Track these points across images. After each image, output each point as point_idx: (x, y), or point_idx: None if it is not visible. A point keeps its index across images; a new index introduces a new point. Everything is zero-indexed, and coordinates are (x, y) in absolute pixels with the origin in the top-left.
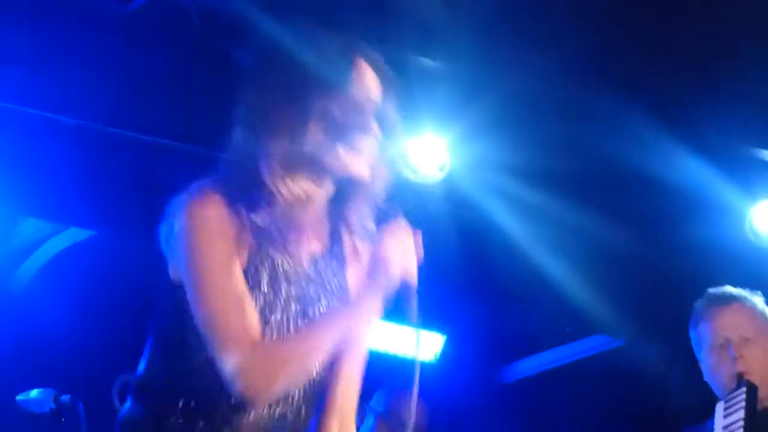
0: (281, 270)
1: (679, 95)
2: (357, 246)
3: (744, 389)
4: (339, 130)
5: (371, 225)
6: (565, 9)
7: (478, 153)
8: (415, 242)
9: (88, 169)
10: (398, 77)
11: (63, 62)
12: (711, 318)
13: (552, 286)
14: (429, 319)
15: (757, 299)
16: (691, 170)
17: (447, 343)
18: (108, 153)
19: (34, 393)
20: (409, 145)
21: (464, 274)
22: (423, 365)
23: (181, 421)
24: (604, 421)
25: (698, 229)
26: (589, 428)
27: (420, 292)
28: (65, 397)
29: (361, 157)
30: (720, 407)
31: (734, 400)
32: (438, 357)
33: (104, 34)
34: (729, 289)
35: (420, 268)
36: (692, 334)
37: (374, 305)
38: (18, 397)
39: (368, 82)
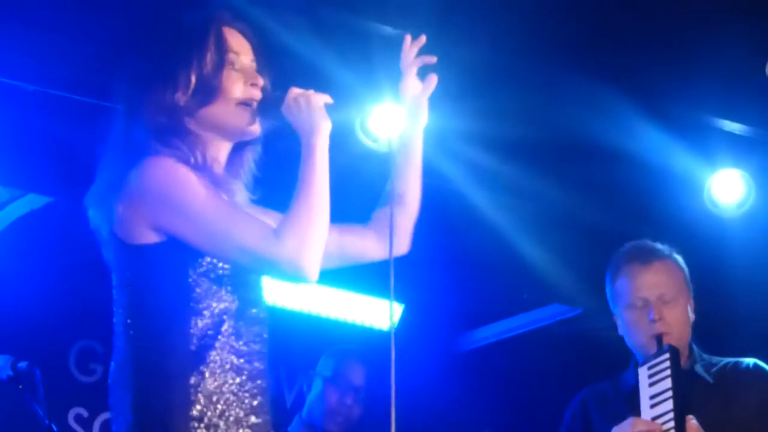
0: None
1: (639, 65)
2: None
3: (667, 355)
4: (204, 90)
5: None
6: None
7: (438, 121)
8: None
9: (46, 134)
10: (357, 45)
11: (21, 25)
12: (631, 276)
13: (511, 255)
14: (387, 287)
15: (677, 256)
16: (650, 140)
17: (405, 312)
18: (66, 119)
19: None
20: (369, 113)
21: (423, 243)
22: (380, 334)
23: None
24: (562, 388)
25: (657, 198)
26: (546, 396)
27: (378, 261)
28: (22, 364)
29: (240, 111)
30: (644, 373)
31: (658, 367)
32: (396, 326)
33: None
34: (648, 244)
35: None
36: (608, 288)
37: (316, 142)
38: None
39: (232, 44)
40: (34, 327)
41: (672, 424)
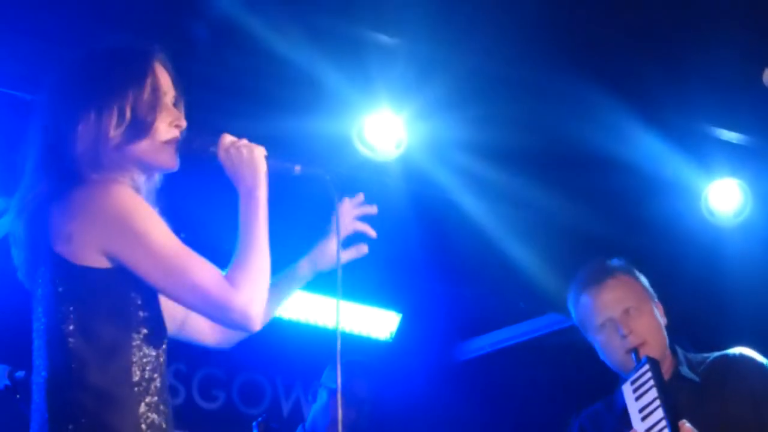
0: None
1: (636, 73)
2: None
3: (647, 366)
4: (137, 128)
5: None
6: None
7: (435, 130)
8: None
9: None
10: (354, 53)
11: (18, 36)
12: (589, 300)
13: (508, 265)
14: (385, 297)
15: (629, 267)
16: (648, 148)
17: (403, 322)
18: None
19: None
20: (366, 122)
21: (421, 252)
22: (379, 343)
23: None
24: (559, 399)
25: (655, 207)
26: (543, 405)
27: (376, 270)
28: (20, 373)
29: (165, 149)
30: (628, 389)
31: (641, 380)
32: (394, 335)
33: (63, 8)
34: (597, 264)
35: (376, 246)
36: (574, 318)
37: (259, 195)
38: None
39: (162, 82)
40: (31, 336)
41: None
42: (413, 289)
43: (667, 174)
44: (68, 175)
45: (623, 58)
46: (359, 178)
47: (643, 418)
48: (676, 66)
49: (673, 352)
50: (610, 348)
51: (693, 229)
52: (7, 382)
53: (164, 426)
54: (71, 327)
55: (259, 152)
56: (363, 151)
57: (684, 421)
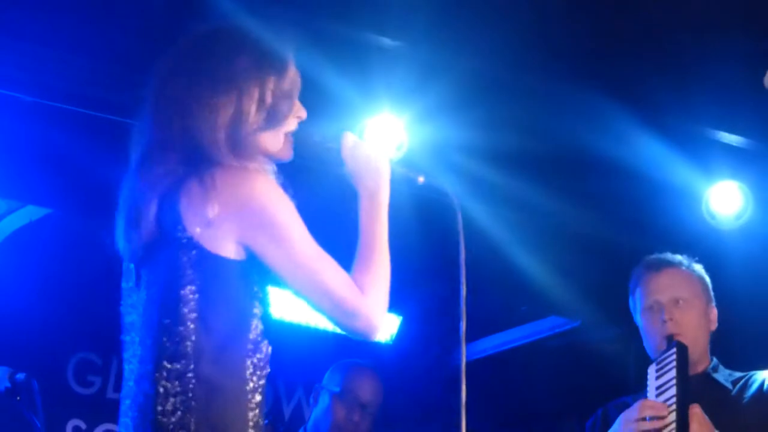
0: None
1: (637, 77)
2: None
3: (674, 350)
4: (275, 116)
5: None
6: None
7: (436, 133)
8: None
9: (44, 146)
10: (356, 56)
11: (19, 39)
12: (645, 282)
13: (509, 268)
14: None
15: (695, 266)
16: (648, 151)
17: (403, 324)
18: (64, 130)
19: None
20: (367, 124)
21: (421, 255)
22: (379, 346)
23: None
24: (561, 401)
25: (655, 210)
26: (544, 408)
27: None
28: (20, 375)
29: (287, 140)
30: (652, 369)
31: (665, 362)
32: (394, 338)
33: (62, 11)
34: (666, 255)
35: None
36: (630, 300)
37: (382, 199)
38: None
39: (295, 75)
40: (32, 338)
41: (674, 407)
42: (413, 291)
43: (668, 177)
44: (206, 157)
45: (624, 62)
46: None
47: (658, 395)
48: (678, 69)
49: (711, 359)
50: (650, 331)
51: (694, 232)
52: (8, 384)
53: (262, 424)
54: (193, 315)
55: (385, 156)
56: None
57: (696, 404)
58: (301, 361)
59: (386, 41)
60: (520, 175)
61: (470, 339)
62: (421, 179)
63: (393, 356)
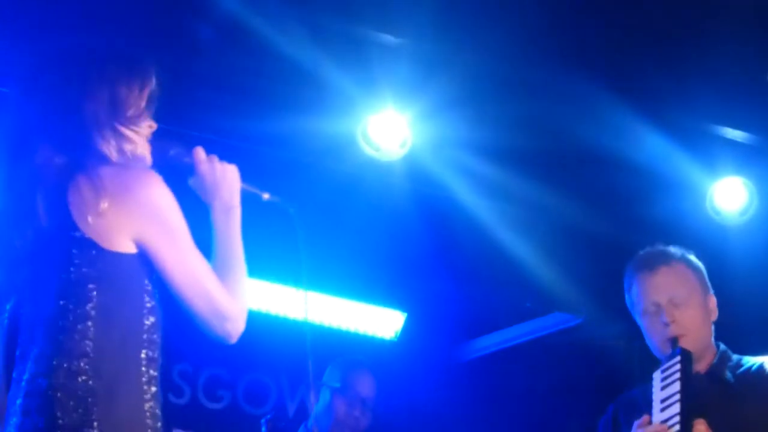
0: None
1: (641, 72)
2: None
3: (678, 358)
4: (139, 115)
5: None
6: None
7: (440, 130)
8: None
9: None
10: (359, 53)
11: (15, 41)
12: (641, 283)
13: (513, 264)
14: (390, 296)
15: (689, 256)
16: (652, 148)
17: (408, 321)
18: None
19: None
20: (371, 121)
21: (425, 252)
22: (384, 343)
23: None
24: (564, 398)
25: (659, 206)
26: (548, 405)
27: (381, 269)
28: None
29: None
30: (657, 376)
31: (670, 371)
32: (399, 334)
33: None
34: (657, 249)
35: (381, 245)
36: (626, 297)
37: (237, 210)
38: None
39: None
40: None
41: (678, 428)
42: (418, 288)
43: (671, 173)
44: (88, 151)
45: (628, 57)
46: (364, 178)
47: (662, 409)
48: (681, 64)
49: (717, 348)
50: (653, 333)
51: (698, 228)
52: None
53: (159, 414)
54: (93, 312)
55: (235, 172)
56: (367, 150)
57: (701, 420)
58: (304, 359)
59: (389, 38)
60: (524, 172)
61: (474, 336)
62: (266, 196)
63: (398, 353)
